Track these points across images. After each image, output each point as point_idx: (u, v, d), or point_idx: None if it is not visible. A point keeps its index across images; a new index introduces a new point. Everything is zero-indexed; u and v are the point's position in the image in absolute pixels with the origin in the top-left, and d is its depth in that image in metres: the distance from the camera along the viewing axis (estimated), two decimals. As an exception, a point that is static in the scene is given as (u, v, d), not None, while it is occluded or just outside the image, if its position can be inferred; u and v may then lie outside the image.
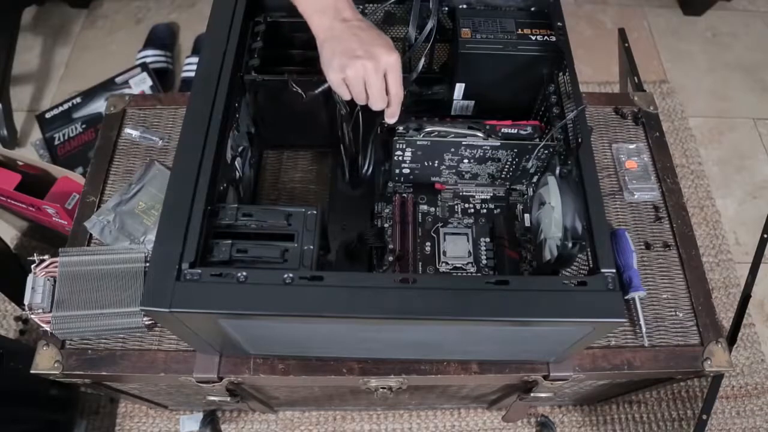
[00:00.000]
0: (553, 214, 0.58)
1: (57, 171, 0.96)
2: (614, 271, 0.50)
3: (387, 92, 0.57)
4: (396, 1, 0.70)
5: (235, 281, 0.48)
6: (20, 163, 0.95)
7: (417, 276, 0.50)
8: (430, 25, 0.64)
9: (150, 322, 0.65)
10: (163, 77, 1.41)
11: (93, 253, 0.66)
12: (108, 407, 1.07)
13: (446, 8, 0.69)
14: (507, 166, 0.70)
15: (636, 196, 0.77)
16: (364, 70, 0.55)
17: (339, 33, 0.55)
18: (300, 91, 0.62)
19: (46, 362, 0.65)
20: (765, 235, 0.87)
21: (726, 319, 1.16)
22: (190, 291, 0.47)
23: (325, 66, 0.57)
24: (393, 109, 0.59)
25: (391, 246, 0.70)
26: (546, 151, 0.66)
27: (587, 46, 1.55)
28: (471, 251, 0.70)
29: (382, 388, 0.70)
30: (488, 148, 0.66)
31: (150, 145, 0.79)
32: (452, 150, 0.67)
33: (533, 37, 0.66)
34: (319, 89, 0.61)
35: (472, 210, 0.73)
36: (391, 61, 0.55)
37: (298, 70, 0.66)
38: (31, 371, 0.65)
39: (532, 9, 0.69)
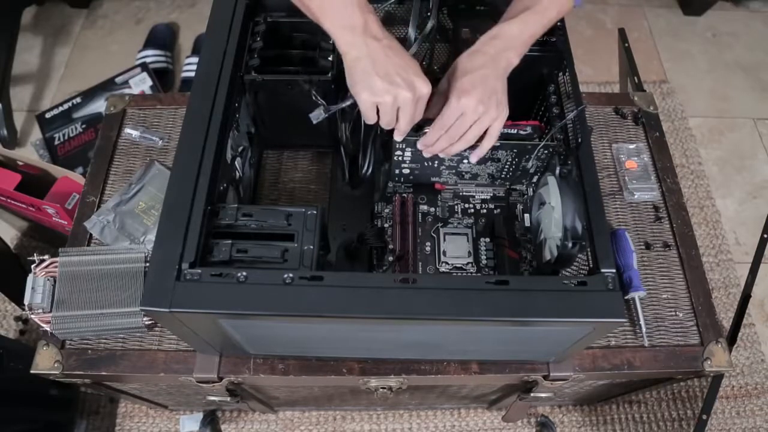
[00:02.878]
0: (553, 214, 0.58)
1: (57, 171, 0.96)
2: (614, 271, 0.50)
3: None
4: (396, 1, 0.70)
5: (235, 281, 0.48)
6: (20, 163, 0.96)
7: (417, 276, 0.50)
8: (430, 25, 0.64)
9: (150, 322, 0.65)
10: (163, 77, 1.41)
11: (93, 253, 0.66)
12: (108, 407, 1.07)
13: (446, 8, 0.69)
14: (507, 166, 0.70)
15: (636, 196, 0.77)
16: (402, 99, 0.54)
17: (373, 52, 0.54)
18: (323, 103, 0.61)
19: (46, 362, 0.65)
20: (765, 235, 0.87)
21: (726, 319, 1.16)
22: (190, 291, 0.47)
23: (356, 85, 0.55)
24: (405, 129, 0.59)
25: (391, 246, 0.70)
26: (546, 151, 0.66)
27: (587, 46, 1.55)
28: (471, 251, 0.70)
29: (382, 388, 0.70)
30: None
31: (150, 145, 0.79)
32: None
33: (533, 37, 0.66)
34: (343, 104, 0.61)
35: (472, 210, 0.73)
36: (425, 92, 0.55)
37: (298, 70, 0.66)
38: (31, 371, 0.65)
39: (532, 9, 0.69)
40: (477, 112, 0.57)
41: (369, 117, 0.57)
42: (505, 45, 0.59)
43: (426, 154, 0.63)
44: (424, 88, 0.55)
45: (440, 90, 0.60)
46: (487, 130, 0.59)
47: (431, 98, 0.58)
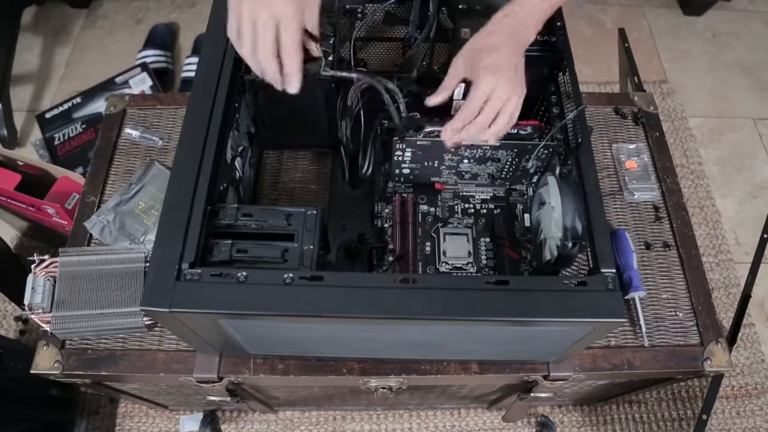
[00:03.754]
0: (553, 214, 0.58)
1: (57, 171, 0.96)
2: (614, 271, 0.50)
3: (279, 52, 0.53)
4: (396, 1, 0.70)
5: (235, 281, 0.48)
6: (20, 163, 0.95)
7: (417, 276, 0.50)
8: (430, 25, 0.64)
9: (150, 322, 0.65)
10: (163, 77, 1.41)
11: (93, 253, 0.66)
12: (108, 407, 1.07)
13: (446, 8, 0.69)
14: (507, 166, 0.70)
15: (636, 196, 0.77)
16: (254, 15, 0.51)
17: None
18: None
19: (46, 362, 0.65)
20: (765, 235, 0.87)
21: (726, 319, 1.16)
22: (190, 291, 0.47)
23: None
24: (287, 69, 0.54)
25: (391, 246, 0.70)
26: (546, 151, 0.66)
27: (587, 46, 1.55)
28: (471, 251, 0.70)
29: (382, 388, 0.70)
30: (488, 148, 0.66)
31: (150, 145, 0.79)
32: (452, 150, 0.67)
33: (533, 37, 0.66)
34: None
35: (472, 210, 0.73)
36: (284, 12, 0.51)
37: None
38: (31, 371, 0.65)
39: (532, 9, 0.69)
40: (503, 96, 0.56)
41: (233, 39, 0.54)
42: (520, 22, 0.58)
43: (449, 144, 0.60)
44: (283, 6, 0.51)
45: (453, 74, 0.59)
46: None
47: (443, 82, 0.56)
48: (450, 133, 0.59)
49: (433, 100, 0.59)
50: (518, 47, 0.58)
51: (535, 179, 0.72)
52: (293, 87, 0.56)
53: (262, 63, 0.54)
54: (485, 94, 0.56)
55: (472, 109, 0.57)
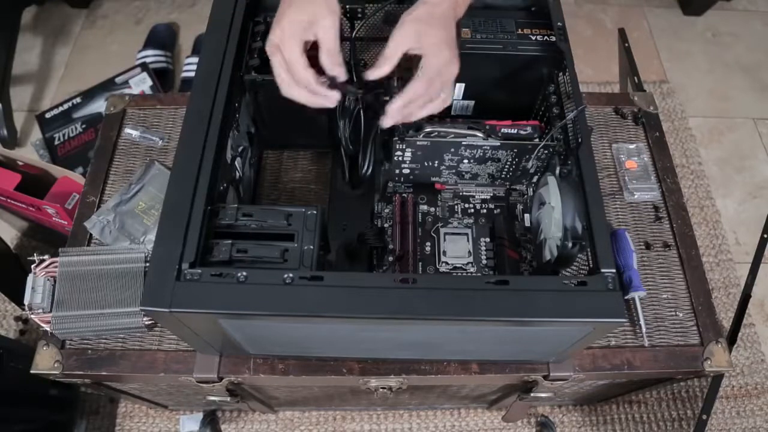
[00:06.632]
0: (553, 214, 0.58)
1: (57, 171, 0.96)
2: (614, 271, 0.50)
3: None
4: (396, 1, 0.70)
5: (235, 281, 0.48)
6: (20, 163, 0.95)
7: (417, 276, 0.50)
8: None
9: (150, 322, 0.65)
10: (163, 77, 1.41)
11: (93, 253, 0.66)
12: (108, 407, 1.07)
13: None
14: (507, 166, 0.70)
15: (636, 196, 0.77)
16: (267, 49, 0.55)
17: None
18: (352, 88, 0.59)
19: (46, 362, 0.65)
20: (765, 235, 0.87)
21: (726, 319, 1.16)
22: (190, 291, 0.47)
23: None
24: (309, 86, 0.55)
25: (391, 246, 0.70)
26: (546, 151, 0.66)
27: (587, 46, 1.55)
28: (471, 251, 0.70)
29: (382, 388, 0.70)
30: (488, 148, 0.66)
31: (150, 145, 0.79)
32: (452, 150, 0.67)
33: (533, 37, 0.66)
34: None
35: (472, 210, 0.73)
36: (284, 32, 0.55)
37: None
38: (31, 371, 0.65)
39: (532, 9, 0.69)
40: (454, 72, 0.56)
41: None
42: None
43: (389, 124, 0.57)
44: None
45: (400, 43, 0.55)
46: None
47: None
48: (398, 112, 0.56)
49: (376, 74, 0.55)
50: (456, 18, 0.58)
51: (535, 179, 0.72)
52: (326, 102, 0.56)
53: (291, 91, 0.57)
54: (438, 68, 0.55)
55: (425, 84, 0.55)
